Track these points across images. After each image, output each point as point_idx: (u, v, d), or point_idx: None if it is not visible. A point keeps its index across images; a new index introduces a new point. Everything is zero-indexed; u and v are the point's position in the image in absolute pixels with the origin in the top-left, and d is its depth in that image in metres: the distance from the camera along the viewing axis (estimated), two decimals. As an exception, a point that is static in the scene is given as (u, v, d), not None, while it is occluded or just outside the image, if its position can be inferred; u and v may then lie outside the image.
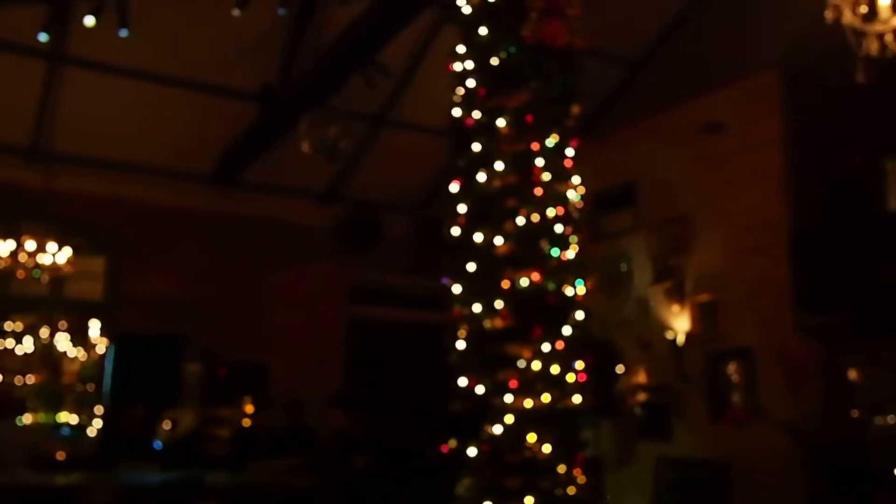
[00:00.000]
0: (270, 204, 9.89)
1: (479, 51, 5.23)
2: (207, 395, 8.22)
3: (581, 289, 4.98)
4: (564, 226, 4.94)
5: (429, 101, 8.18)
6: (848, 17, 2.87)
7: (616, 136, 8.91)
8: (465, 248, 4.99)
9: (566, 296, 4.89)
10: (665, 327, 8.24)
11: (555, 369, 4.73)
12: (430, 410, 5.44)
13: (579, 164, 5.21)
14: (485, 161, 4.99)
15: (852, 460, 6.66)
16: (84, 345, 8.91)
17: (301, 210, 10.15)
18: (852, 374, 7.15)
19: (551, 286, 4.83)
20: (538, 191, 4.88)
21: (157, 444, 7.45)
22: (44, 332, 8.73)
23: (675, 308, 8.17)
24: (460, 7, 5.43)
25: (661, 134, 8.57)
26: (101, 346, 8.88)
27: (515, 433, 4.61)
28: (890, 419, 6.82)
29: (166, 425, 7.49)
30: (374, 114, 9.30)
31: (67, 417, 8.48)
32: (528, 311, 4.73)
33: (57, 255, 8.18)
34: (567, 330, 4.82)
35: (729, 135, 7.87)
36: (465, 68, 5.27)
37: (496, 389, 4.70)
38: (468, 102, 5.20)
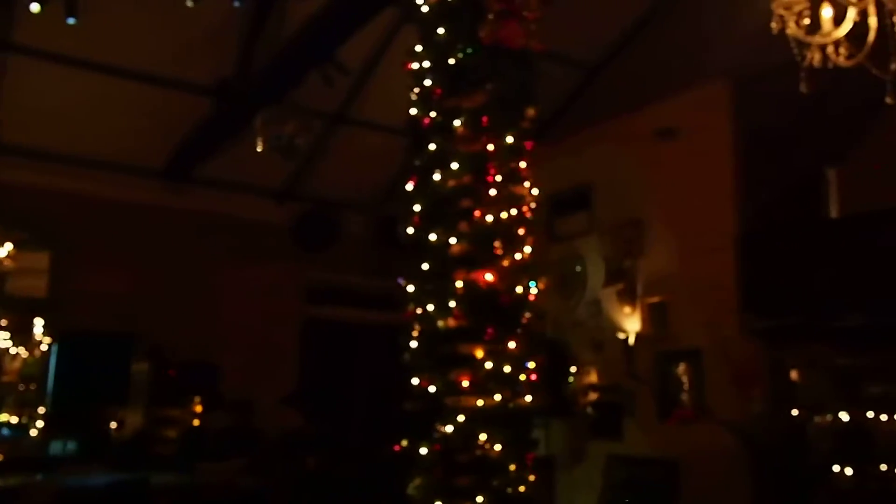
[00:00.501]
0: (225, 201, 9.76)
1: (436, 50, 5.26)
2: (156, 395, 8.10)
3: (534, 289, 5.03)
4: (518, 227, 4.99)
5: (388, 99, 8.15)
6: (792, 29, 2.95)
7: (572, 140, 9.01)
8: (419, 247, 5.01)
9: (519, 296, 4.94)
10: (617, 328, 8.36)
11: (507, 369, 4.78)
12: (385, 410, 5.45)
13: (534, 166, 5.27)
14: (440, 161, 5.01)
15: (793, 459, 6.85)
16: (26, 343, 8.64)
17: (256, 208, 10.04)
18: (794, 376, 7.36)
19: (505, 287, 4.88)
20: (493, 192, 4.92)
21: (102, 445, 7.32)
22: (-17, 330, 8.49)
23: (627, 309, 8.30)
24: (419, 6, 5.45)
25: (615, 138, 8.70)
26: (45, 344, 8.63)
27: (467, 432, 4.65)
28: (828, 419, 7.03)
29: (112, 426, 7.37)
30: (333, 111, 9.24)
31: (8, 418, 8.27)
32: (482, 310, 4.77)
33: (-3, 249, 7.98)
34: (520, 330, 4.87)
35: (681, 141, 8.03)
36: (422, 67, 5.29)
37: (448, 389, 4.73)
38: (425, 102, 5.22)
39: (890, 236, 6.61)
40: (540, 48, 5.29)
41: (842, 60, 3.10)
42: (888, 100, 3.15)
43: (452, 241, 4.90)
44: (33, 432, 7.91)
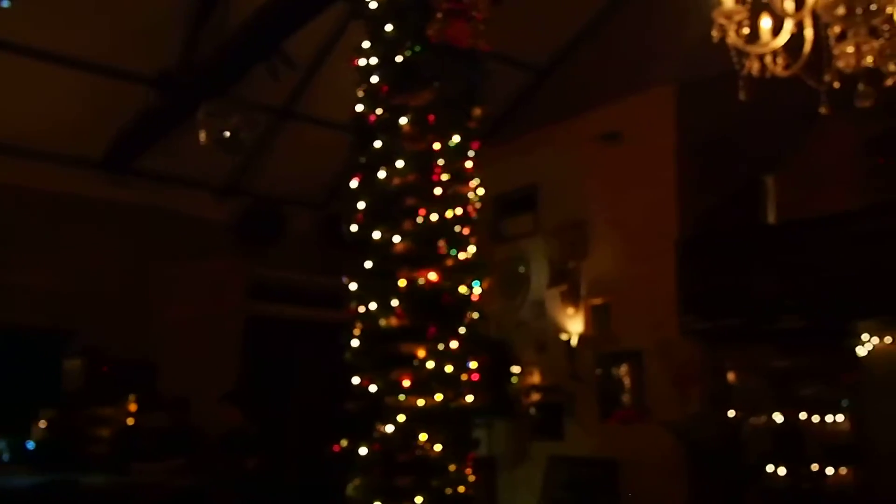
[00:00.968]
0: (166, 194, 9.52)
1: (384, 48, 5.23)
2: (89, 393, 7.87)
3: (477, 289, 5.04)
4: (463, 226, 4.99)
5: (335, 95, 8.05)
6: (732, 38, 2.99)
7: (519, 141, 9.05)
8: (363, 245, 4.98)
9: (462, 296, 4.95)
10: (560, 329, 8.43)
11: (449, 368, 4.77)
12: (327, 409, 5.40)
13: (481, 166, 5.28)
14: (386, 158, 4.99)
15: (729, 458, 7.01)
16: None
17: (199, 202, 9.83)
18: (731, 377, 7.53)
19: (448, 286, 4.87)
20: (438, 191, 4.91)
21: (30, 445, 7.09)
22: None
23: (571, 310, 8.37)
24: (367, 3, 5.41)
25: (562, 141, 8.77)
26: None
27: (407, 432, 4.63)
28: (763, 419, 7.21)
29: (41, 425, 7.14)
30: (279, 106, 9.13)
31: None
32: (424, 310, 4.76)
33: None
34: (462, 330, 4.88)
35: (625, 145, 8.13)
36: (369, 64, 5.26)
37: (389, 388, 4.71)
38: (371, 99, 5.20)
39: (823, 242, 6.80)
40: (488, 48, 5.30)
41: (779, 70, 3.16)
42: (822, 110, 3.23)
43: (396, 239, 4.88)
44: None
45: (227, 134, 7.90)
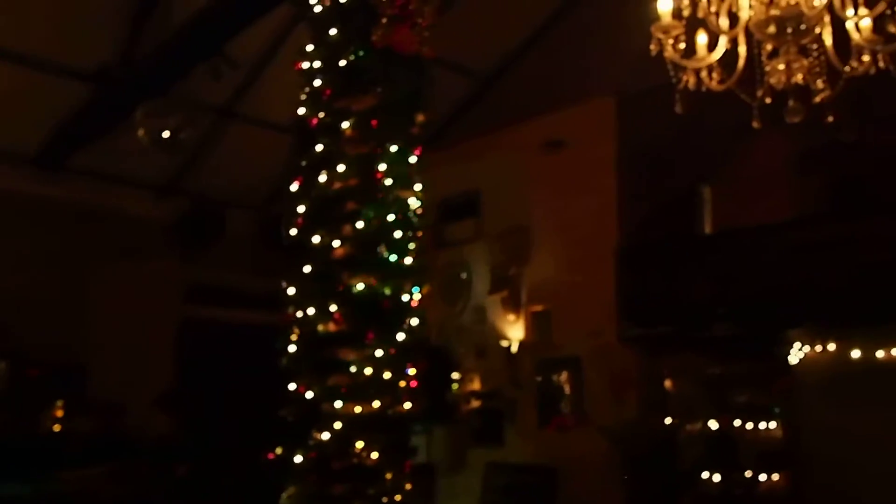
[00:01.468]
0: (101, 193, 9.26)
1: (328, 51, 5.20)
2: (14, 398, 7.60)
3: (417, 295, 5.02)
4: (404, 231, 4.97)
5: (279, 97, 7.97)
6: (669, 52, 3.05)
7: (463, 147, 9.08)
8: (302, 249, 4.92)
9: (402, 301, 4.93)
10: (500, 335, 8.47)
11: (387, 375, 4.74)
12: (263, 415, 5.31)
13: (423, 171, 5.27)
14: (327, 162, 4.95)
15: (664, 465, 7.12)
16: None
17: (137, 201, 9.61)
18: (667, 384, 7.66)
19: (387, 291, 4.85)
20: (379, 195, 4.89)
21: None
22: None
23: (511, 317, 8.42)
24: (312, 6, 5.36)
25: (505, 147, 8.83)
26: None
27: (343, 439, 4.59)
28: (698, 426, 7.35)
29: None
30: (221, 106, 8.99)
31: None
32: (363, 315, 4.73)
33: None
34: (401, 335, 4.85)
35: (567, 153, 8.22)
36: (312, 67, 5.22)
37: (326, 394, 4.66)
38: (314, 102, 5.16)
39: (756, 252, 6.98)
40: (432, 55, 5.30)
41: (714, 84, 3.23)
42: (754, 124, 3.31)
43: (336, 243, 4.83)
44: None
45: (167, 133, 7.73)
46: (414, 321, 4.95)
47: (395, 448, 4.74)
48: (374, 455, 4.62)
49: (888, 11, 2.82)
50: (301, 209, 4.99)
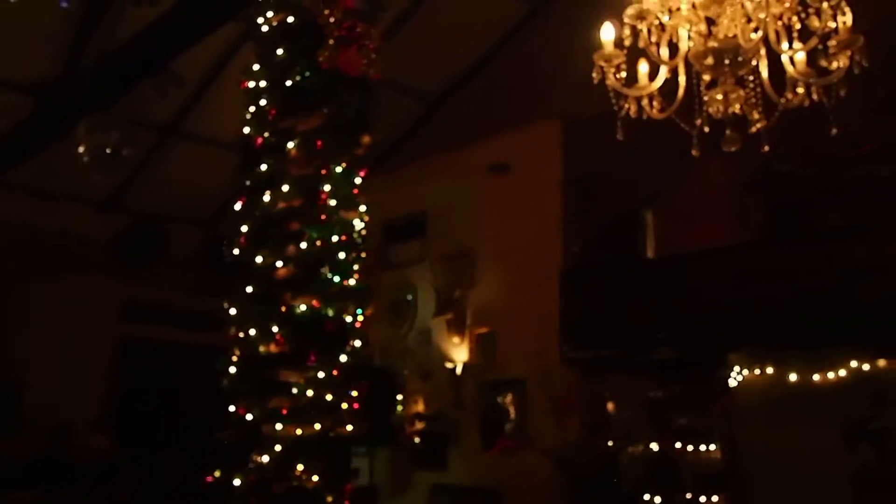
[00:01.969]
0: (37, 208, 9.05)
1: (274, 71, 5.17)
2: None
3: (361, 316, 4.99)
4: (348, 253, 4.95)
5: (225, 115, 7.91)
6: (611, 80, 3.10)
7: (409, 169, 9.10)
8: (244, 269, 4.86)
9: (345, 323, 4.89)
10: (445, 357, 8.45)
11: (329, 397, 4.69)
12: (203, 437, 5.20)
13: (368, 193, 5.26)
14: (271, 182, 4.91)
15: (607, 487, 7.16)
16: None
17: (76, 217, 9.39)
18: (610, 406, 7.73)
19: (330, 312, 4.81)
20: (323, 216, 4.86)
21: None
22: None
23: (456, 339, 8.42)
24: (259, 25, 5.33)
25: (451, 170, 8.87)
26: None
27: (284, 462, 4.51)
28: (640, 448, 7.42)
29: None
30: (166, 123, 8.87)
31: None
32: (305, 336, 4.67)
33: None
34: (344, 357, 4.81)
35: (513, 176, 8.30)
36: (258, 87, 5.18)
37: (267, 417, 4.59)
38: (259, 121, 5.12)
39: (696, 276, 7.11)
40: (378, 77, 5.31)
41: (655, 113, 3.29)
42: (694, 152, 3.37)
43: (279, 264, 4.79)
44: None
45: (108, 150, 7.59)
46: (357, 343, 4.92)
47: (336, 471, 4.68)
48: (315, 478, 4.55)
49: (820, 46, 2.92)
50: (244, 229, 4.93)
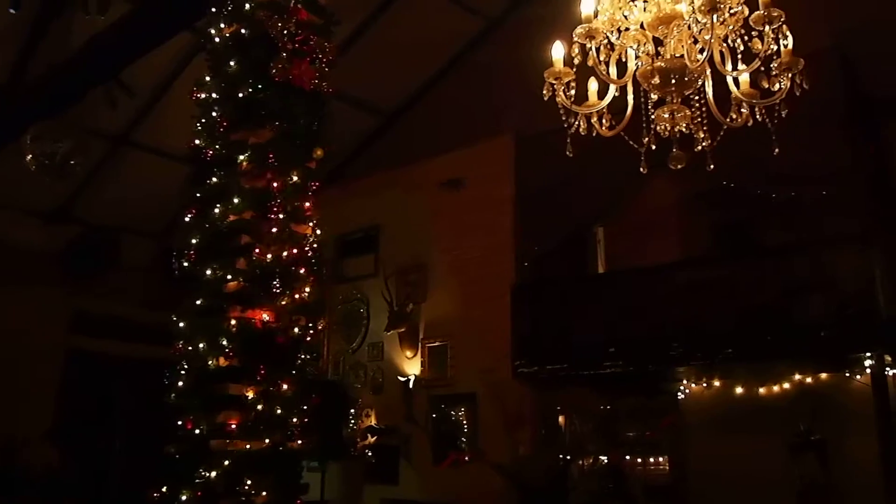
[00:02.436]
0: (-17, 218, 8.84)
1: (225, 82, 5.14)
2: None
3: (312, 330, 4.96)
4: (299, 266, 4.92)
5: (177, 126, 7.82)
6: (560, 98, 3.14)
7: (363, 183, 9.10)
8: (194, 282, 4.80)
9: (296, 336, 4.85)
10: (398, 371, 8.44)
11: (279, 411, 4.65)
12: (151, 451, 5.11)
13: (321, 206, 5.24)
14: (221, 194, 4.87)
15: (558, 500, 7.20)
16: None
17: (19, 228, 9.16)
18: (561, 420, 7.78)
19: (281, 326, 4.78)
20: (274, 229, 4.83)
21: None
22: None
23: (409, 352, 8.41)
24: (212, 36, 5.30)
25: (405, 184, 8.89)
26: None
27: (232, 477, 4.45)
28: (590, 461, 7.49)
29: None
30: (118, 133, 8.74)
31: None
32: (255, 350, 4.63)
33: None
34: (294, 371, 4.78)
35: (466, 192, 8.34)
36: (209, 98, 5.14)
37: (215, 431, 4.53)
38: (210, 133, 5.07)
39: (644, 291, 7.21)
40: (331, 90, 5.31)
41: (604, 130, 3.35)
42: (641, 169, 3.44)
43: (229, 277, 4.74)
44: None
45: (56, 159, 7.43)
46: (308, 356, 4.89)
47: (285, 486, 4.63)
48: (264, 493, 4.50)
49: (762, 68, 3.00)
50: (194, 241, 4.88)
